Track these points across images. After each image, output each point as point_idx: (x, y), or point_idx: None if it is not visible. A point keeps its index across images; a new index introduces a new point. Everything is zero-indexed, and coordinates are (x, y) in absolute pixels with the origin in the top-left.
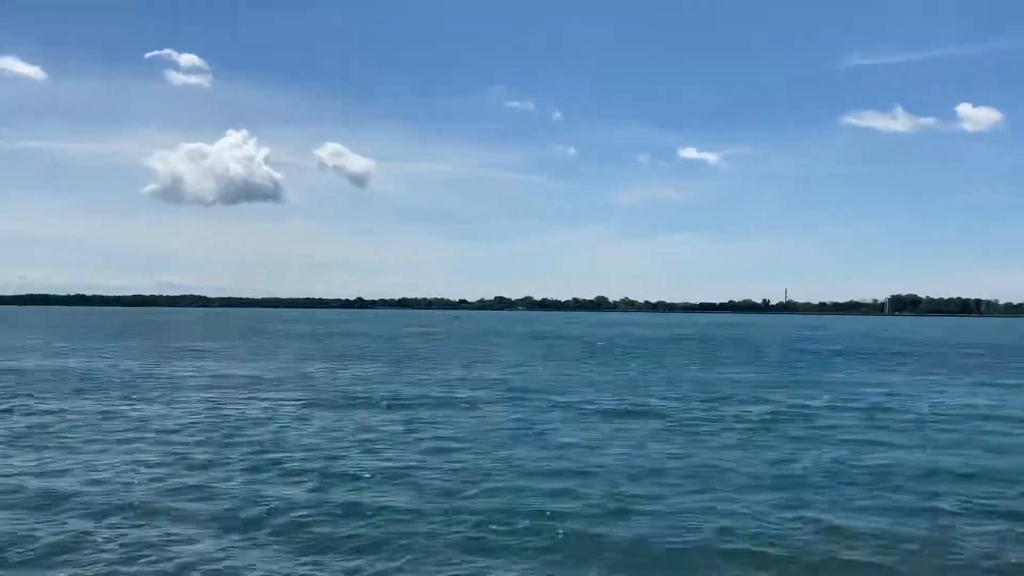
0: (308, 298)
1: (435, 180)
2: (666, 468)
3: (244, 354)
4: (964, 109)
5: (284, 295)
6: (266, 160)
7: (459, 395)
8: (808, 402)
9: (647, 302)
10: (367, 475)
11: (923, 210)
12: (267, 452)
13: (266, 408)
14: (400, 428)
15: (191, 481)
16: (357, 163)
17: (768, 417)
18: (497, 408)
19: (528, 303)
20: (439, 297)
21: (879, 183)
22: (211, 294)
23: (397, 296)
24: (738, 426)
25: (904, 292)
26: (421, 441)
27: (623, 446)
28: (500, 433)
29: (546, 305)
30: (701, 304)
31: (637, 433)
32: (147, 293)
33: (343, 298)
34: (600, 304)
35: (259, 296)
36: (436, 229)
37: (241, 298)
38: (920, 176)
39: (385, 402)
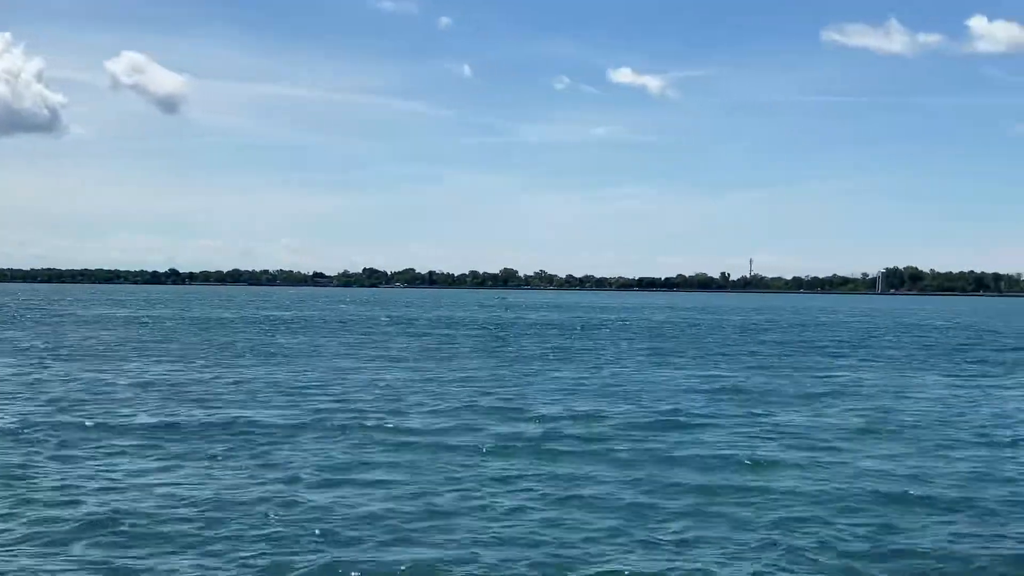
0: (99, 269)
1: (277, 106)
2: None
3: None
4: (977, 24)
5: (63, 264)
6: (38, 76)
7: None
8: None
9: (570, 277)
10: None
11: (926, 157)
12: None
13: None
14: None
15: None
16: (166, 81)
17: None
18: None
19: (408, 278)
20: (284, 269)
21: (870, 120)
22: None
23: (226, 267)
24: None
25: (902, 264)
26: None
27: None
28: None
29: (435, 281)
30: (640, 280)
31: None
32: None
33: (148, 269)
34: (507, 279)
35: (27, 267)
36: (279, 175)
37: None
38: (922, 112)
39: None
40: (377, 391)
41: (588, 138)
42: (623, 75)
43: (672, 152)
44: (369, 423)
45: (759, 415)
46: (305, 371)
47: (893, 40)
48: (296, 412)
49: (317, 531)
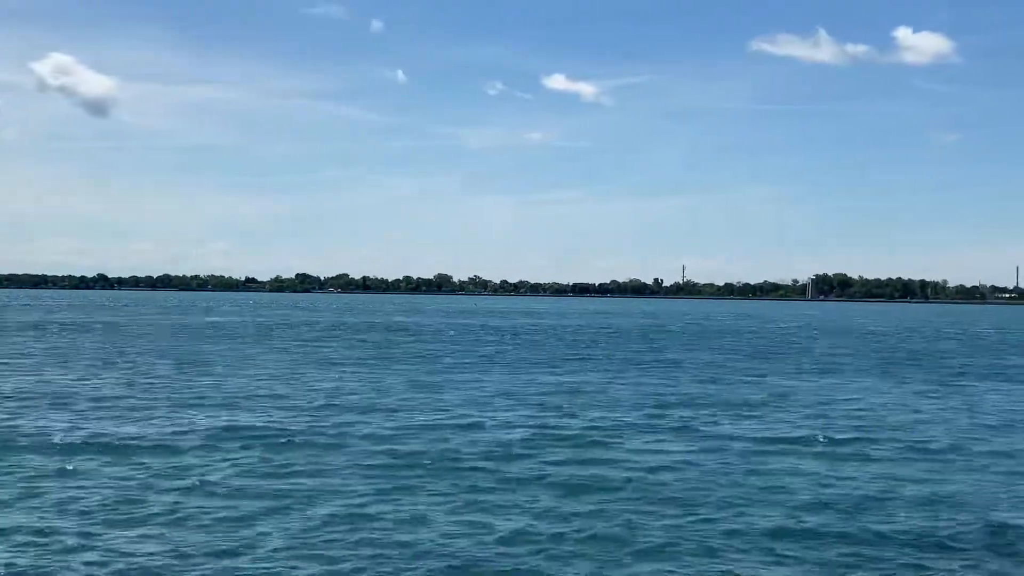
0: (25, 274)
1: (209, 110)
2: None
3: None
4: (903, 35)
5: None
6: None
7: None
8: None
9: (504, 282)
10: None
11: (854, 165)
12: None
13: None
14: None
15: None
16: (95, 83)
17: None
18: None
19: (342, 283)
20: (215, 274)
21: (799, 129)
22: None
23: (156, 272)
24: None
25: (831, 271)
26: None
27: None
28: None
29: (368, 286)
30: (575, 285)
31: None
32: None
33: (76, 274)
34: (441, 285)
35: None
36: (210, 179)
37: None
38: (850, 122)
39: None
40: (310, 398)
41: (522, 143)
42: (556, 81)
43: (606, 158)
44: (294, 433)
45: (683, 426)
46: (233, 380)
47: (821, 50)
48: (213, 424)
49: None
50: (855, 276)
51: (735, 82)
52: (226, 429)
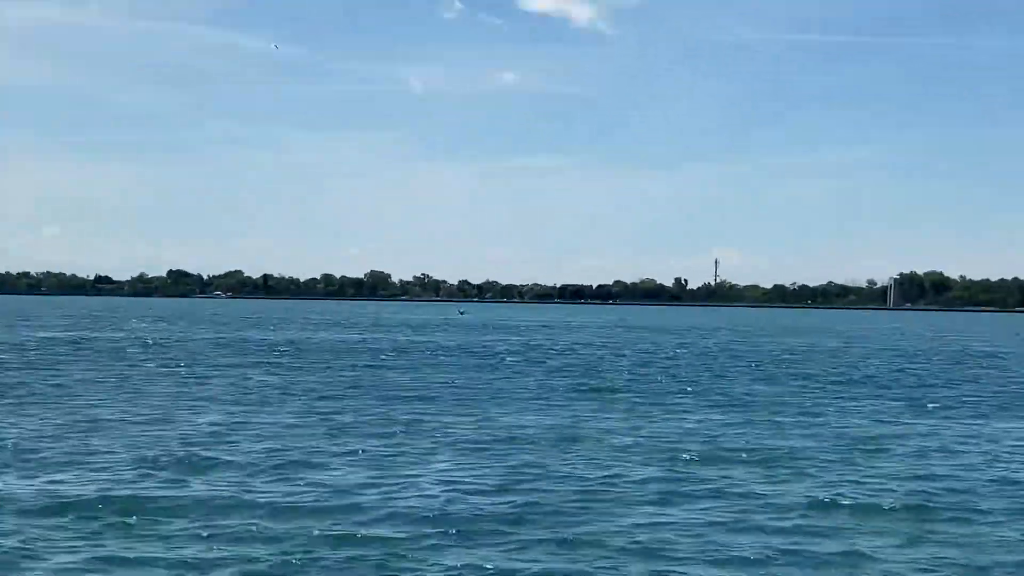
0: None
1: (42, 39)
2: None
3: None
4: None
5: None
6: None
7: None
8: None
9: (464, 284)
10: None
11: (952, 123)
12: None
13: None
14: None
15: None
16: None
17: None
18: None
19: (234, 283)
20: (52, 271)
21: (878, 69)
22: None
23: None
24: None
25: (921, 269)
26: None
27: None
28: None
29: (272, 287)
30: (563, 288)
31: None
32: None
33: None
34: (377, 286)
35: None
36: (45, 136)
37: None
38: (948, 61)
39: None
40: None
41: (489, 88)
42: (537, 1)
43: (605, 110)
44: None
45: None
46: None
47: None
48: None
49: None
50: (954, 276)
51: (786, 5)
52: (32, 495)
